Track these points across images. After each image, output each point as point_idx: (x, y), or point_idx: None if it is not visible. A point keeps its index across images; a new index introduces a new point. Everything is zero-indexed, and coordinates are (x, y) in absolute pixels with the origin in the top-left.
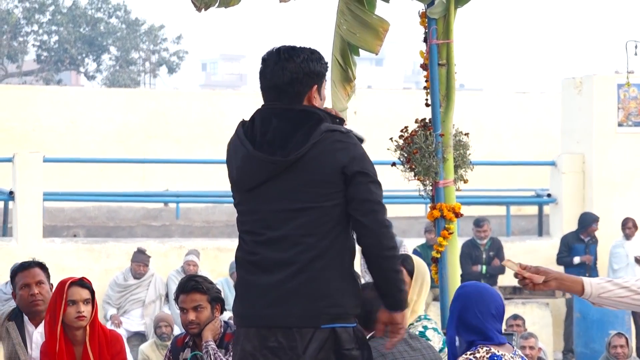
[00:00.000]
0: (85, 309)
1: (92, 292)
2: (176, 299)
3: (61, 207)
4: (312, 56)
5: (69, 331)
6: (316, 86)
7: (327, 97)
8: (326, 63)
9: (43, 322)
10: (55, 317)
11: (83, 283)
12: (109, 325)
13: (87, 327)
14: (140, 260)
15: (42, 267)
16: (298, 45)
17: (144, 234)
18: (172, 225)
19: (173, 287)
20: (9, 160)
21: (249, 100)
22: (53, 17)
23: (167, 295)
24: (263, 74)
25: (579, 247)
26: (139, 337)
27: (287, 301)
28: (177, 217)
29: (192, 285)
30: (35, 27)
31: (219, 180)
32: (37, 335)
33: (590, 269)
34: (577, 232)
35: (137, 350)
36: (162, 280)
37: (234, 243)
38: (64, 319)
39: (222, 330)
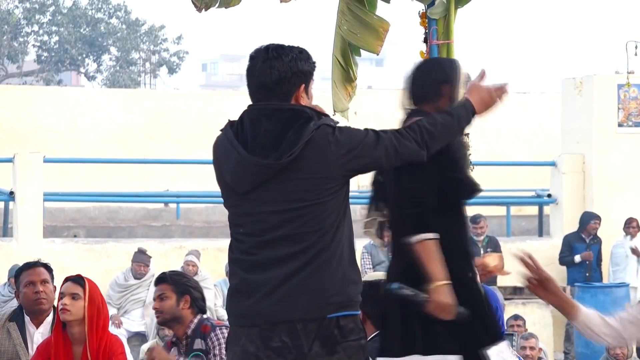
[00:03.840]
0: (72, 303)
1: (85, 289)
2: None
3: (61, 207)
4: (300, 55)
5: (68, 329)
6: (304, 85)
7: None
8: (314, 62)
9: (44, 322)
10: (55, 313)
11: (76, 279)
12: (109, 326)
13: (86, 326)
14: (140, 260)
15: (47, 267)
16: (287, 44)
17: (145, 234)
18: (172, 225)
19: None
20: (10, 160)
21: (248, 100)
22: (53, 18)
23: None
24: (251, 72)
25: (580, 246)
26: (139, 337)
27: (291, 295)
28: (177, 217)
29: (159, 277)
30: (36, 28)
31: None
32: (38, 336)
33: (591, 269)
34: (579, 231)
35: (137, 350)
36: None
37: None
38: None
39: (195, 324)
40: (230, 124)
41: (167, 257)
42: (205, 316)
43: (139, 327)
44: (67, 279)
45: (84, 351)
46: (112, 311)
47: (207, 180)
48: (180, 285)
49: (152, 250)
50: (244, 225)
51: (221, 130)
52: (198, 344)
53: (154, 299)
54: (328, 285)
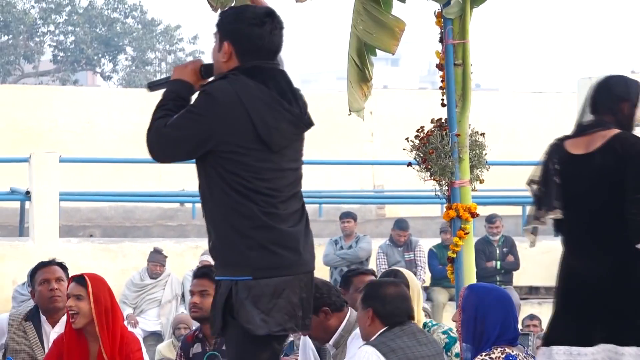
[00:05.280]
0: (77, 305)
1: (87, 289)
2: None
3: (77, 207)
4: None
5: (84, 327)
6: None
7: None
8: None
9: (60, 322)
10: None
11: (78, 279)
12: (123, 320)
13: (96, 326)
14: (156, 260)
15: (62, 267)
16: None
17: (160, 234)
18: (188, 225)
19: (189, 287)
20: (26, 160)
21: None
22: (69, 18)
23: (183, 295)
24: (270, 35)
25: None
26: (155, 337)
27: (308, 247)
28: (193, 217)
29: (203, 271)
30: (52, 28)
31: None
32: (54, 335)
33: None
34: None
35: (153, 350)
36: (178, 280)
37: None
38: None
39: None
40: (258, 75)
41: (182, 256)
42: None
43: (154, 326)
44: (70, 279)
45: (99, 349)
46: (128, 311)
47: None
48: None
49: (167, 250)
50: (272, 181)
51: (233, 78)
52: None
53: (193, 293)
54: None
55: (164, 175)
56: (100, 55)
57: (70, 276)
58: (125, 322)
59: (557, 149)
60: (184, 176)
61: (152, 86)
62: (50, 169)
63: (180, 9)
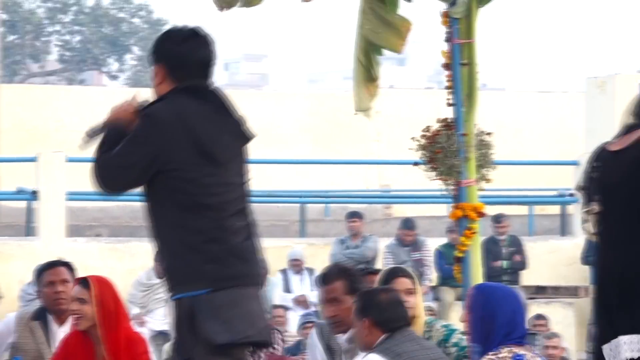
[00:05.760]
0: (81, 308)
1: (90, 292)
2: None
3: (84, 206)
4: None
5: (89, 329)
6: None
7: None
8: None
9: (67, 321)
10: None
11: (82, 282)
12: (128, 322)
13: (99, 328)
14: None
15: (68, 266)
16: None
17: None
18: None
19: None
20: (33, 160)
21: (270, 99)
22: (76, 17)
23: None
24: (196, 50)
25: None
26: (162, 336)
27: (256, 261)
28: None
29: None
30: (58, 27)
31: None
32: (61, 334)
33: None
34: None
35: (161, 349)
36: None
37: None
38: None
39: None
40: (195, 92)
41: None
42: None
43: (162, 326)
44: (75, 282)
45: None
46: (135, 310)
47: None
48: None
49: None
50: (220, 195)
51: (169, 99)
52: None
53: None
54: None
55: None
56: (106, 55)
57: (75, 279)
58: (133, 322)
59: (599, 150)
60: None
61: (91, 135)
62: (57, 168)
63: (186, 9)
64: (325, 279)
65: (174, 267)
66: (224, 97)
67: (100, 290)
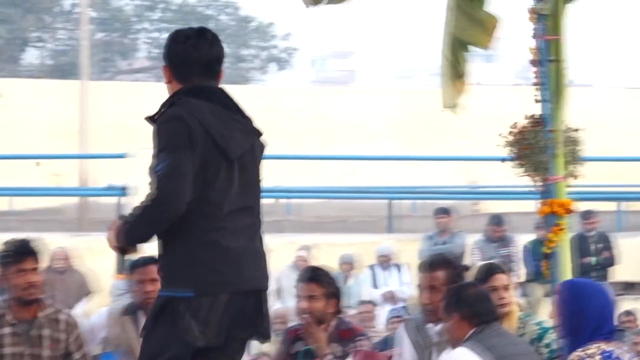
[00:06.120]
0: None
1: None
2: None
3: None
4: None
5: None
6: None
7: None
8: None
9: None
10: None
11: None
12: None
13: None
14: None
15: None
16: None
17: None
18: (283, 220)
19: (285, 283)
20: (122, 156)
21: (358, 96)
22: (163, 15)
23: (279, 290)
24: (198, 48)
25: None
26: None
27: (261, 264)
28: (288, 211)
29: (310, 275)
30: (147, 25)
31: (331, 175)
32: None
33: None
34: None
35: (250, 343)
36: (274, 276)
37: (346, 239)
38: None
39: (333, 327)
40: (203, 92)
41: (278, 252)
42: (340, 317)
43: None
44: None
45: None
46: None
47: (316, 176)
48: (330, 288)
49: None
50: (222, 191)
51: (179, 102)
52: (333, 348)
53: (301, 298)
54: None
55: None
56: None
57: None
58: None
59: None
60: (278, 171)
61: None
62: (146, 164)
63: (273, 6)
64: (429, 266)
65: (167, 264)
66: (230, 96)
67: None
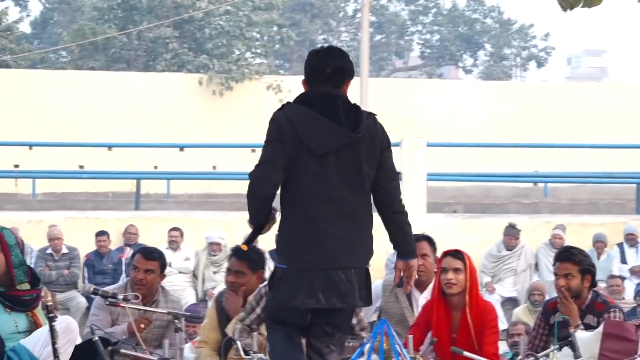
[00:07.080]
0: (455, 277)
1: (465, 264)
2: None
3: (442, 186)
4: (348, 57)
5: (448, 297)
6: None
7: None
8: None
9: (427, 288)
10: (435, 283)
11: (455, 254)
12: (483, 292)
13: (466, 295)
14: (511, 234)
15: (429, 240)
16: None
17: (515, 211)
18: (540, 202)
19: (541, 258)
20: (396, 145)
21: (610, 91)
22: (435, 18)
23: (536, 265)
24: (322, 61)
25: None
26: (511, 302)
27: (351, 246)
28: (545, 195)
29: (565, 255)
30: (420, 27)
31: (583, 162)
32: (422, 300)
33: None
34: None
35: (510, 313)
36: (532, 252)
37: (597, 219)
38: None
39: (589, 300)
40: (305, 99)
41: (535, 231)
42: (595, 290)
43: (510, 293)
44: (445, 254)
45: (462, 316)
46: (486, 279)
47: (572, 162)
48: (584, 264)
49: (521, 225)
50: (314, 183)
51: (285, 106)
52: (588, 319)
53: (559, 276)
54: (369, 242)
55: (518, 158)
56: (462, 52)
57: (443, 252)
58: (484, 290)
59: None
60: (536, 159)
61: (248, 242)
62: (418, 152)
63: (533, 9)
64: None
65: (276, 240)
66: (334, 104)
67: (470, 261)
